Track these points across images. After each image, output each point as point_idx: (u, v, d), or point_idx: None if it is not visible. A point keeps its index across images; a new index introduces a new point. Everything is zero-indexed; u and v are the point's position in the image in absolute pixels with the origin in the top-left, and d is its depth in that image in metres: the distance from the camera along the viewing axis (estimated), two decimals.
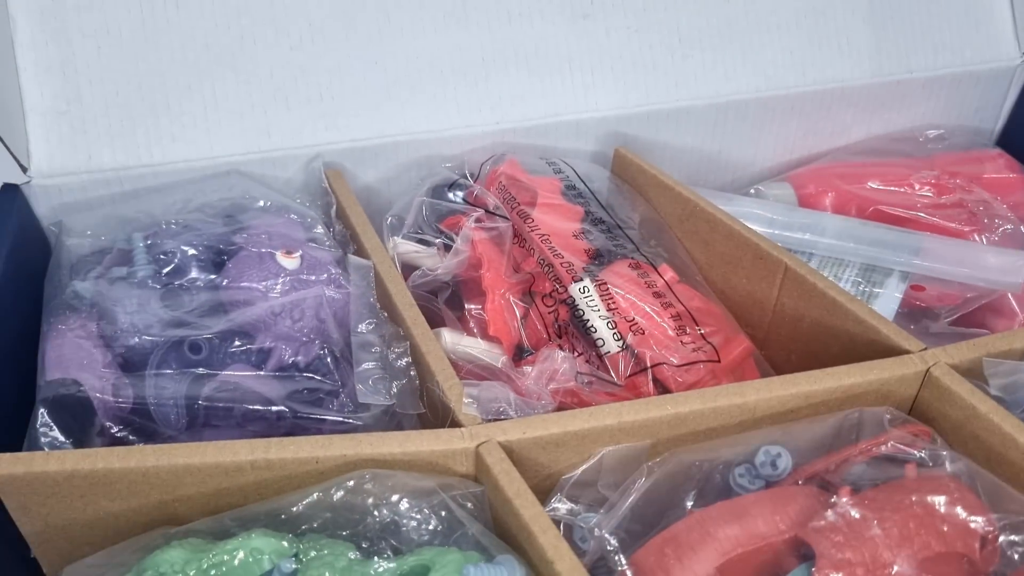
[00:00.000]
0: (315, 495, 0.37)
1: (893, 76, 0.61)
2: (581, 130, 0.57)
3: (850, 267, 0.53)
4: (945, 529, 0.38)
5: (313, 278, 0.47)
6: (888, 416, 0.41)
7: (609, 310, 0.46)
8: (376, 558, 0.35)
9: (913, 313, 0.54)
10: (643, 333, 0.45)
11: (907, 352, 0.43)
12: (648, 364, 0.45)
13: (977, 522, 0.38)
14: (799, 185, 0.59)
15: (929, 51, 0.61)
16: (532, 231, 0.50)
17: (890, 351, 0.43)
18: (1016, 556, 0.38)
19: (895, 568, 0.36)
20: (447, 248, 0.50)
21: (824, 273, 0.54)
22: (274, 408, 0.42)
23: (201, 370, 0.44)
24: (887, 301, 0.52)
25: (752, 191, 0.60)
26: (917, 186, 0.58)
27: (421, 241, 0.50)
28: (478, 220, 0.50)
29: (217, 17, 0.52)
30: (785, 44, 0.59)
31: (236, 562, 0.36)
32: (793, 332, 0.49)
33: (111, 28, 0.51)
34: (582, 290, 0.47)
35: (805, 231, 0.55)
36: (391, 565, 0.35)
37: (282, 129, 0.53)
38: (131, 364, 0.45)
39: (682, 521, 0.39)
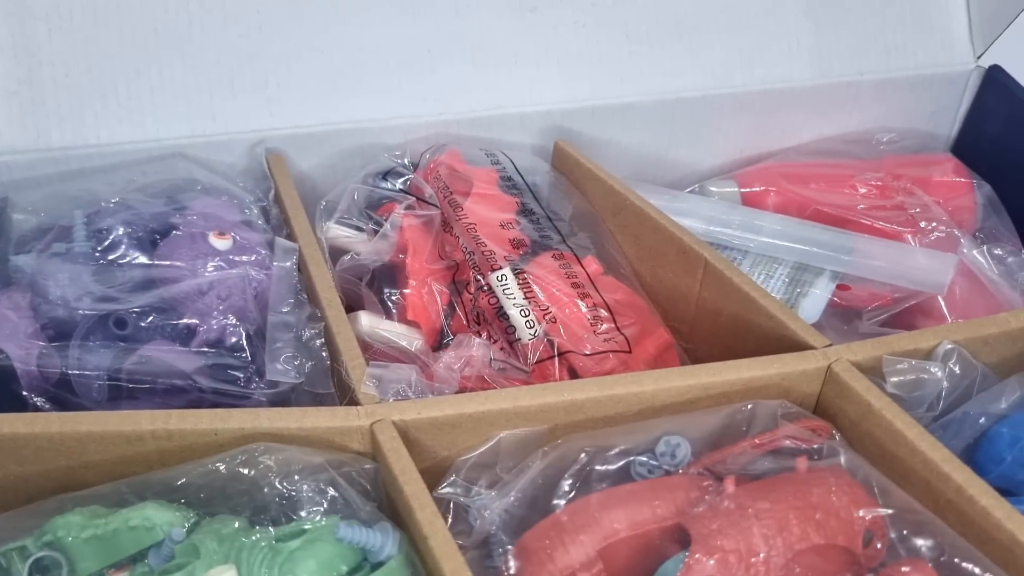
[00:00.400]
0: (208, 466, 0.38)
1: (843, 77, 0.61)
2: (525, 123, 0.58)
3: (783, 265, 0.54)
4: (826, 521, 0.38)
5: (244, 259, 0.49)
6: (781, 410, 0.41)
7: (525, 299, 0.47)
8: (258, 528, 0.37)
9: (847, 313, 0.54)
10: (556, 322, 0.46)
11: (812, 348, 0.43)
12: (557, 352, 0.45)
13: (861, 516, 0.39)
14: (744, 184, 0.60)
15: (881, 53, 0.61)
16: (459, 220, 0.50)
17: (798, 346, 0.44)
18: (901, 553, 0.38)
19: (767, 555, 0.37)
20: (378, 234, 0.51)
21: (757, 271, 0.54)
22: (188, 382, 0.44)
23: (124, 344, 0.45)
24: (816, 300, 0.52)
25: (697, 188, 0.60)
26: (860, 188, 0.58)
27: (354, 227, 0.51)
28: (409, 207, 0.51)
29: (167, 2, 0.54)
30: (735, 43, 0.60)
31: (130, 530, 0.37)
32: (713, 326, 0.49)
33: (62, 10, 0.53)
34: (500, 279, 0.47)
35: (741, 229, 0.55)
36: (270, 530, 0.36)
37: (227, 114, 0.55)
38: (58, 337, 0.46)
39: (570, 505, 0.39)
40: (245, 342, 0.44)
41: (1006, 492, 0.45)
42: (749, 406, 0.41)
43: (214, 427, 0.39)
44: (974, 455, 0.46)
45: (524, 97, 0.58)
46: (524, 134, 0.58)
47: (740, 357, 0.43)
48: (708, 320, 0.49)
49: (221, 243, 0.49)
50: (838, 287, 0.52)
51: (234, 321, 0.45)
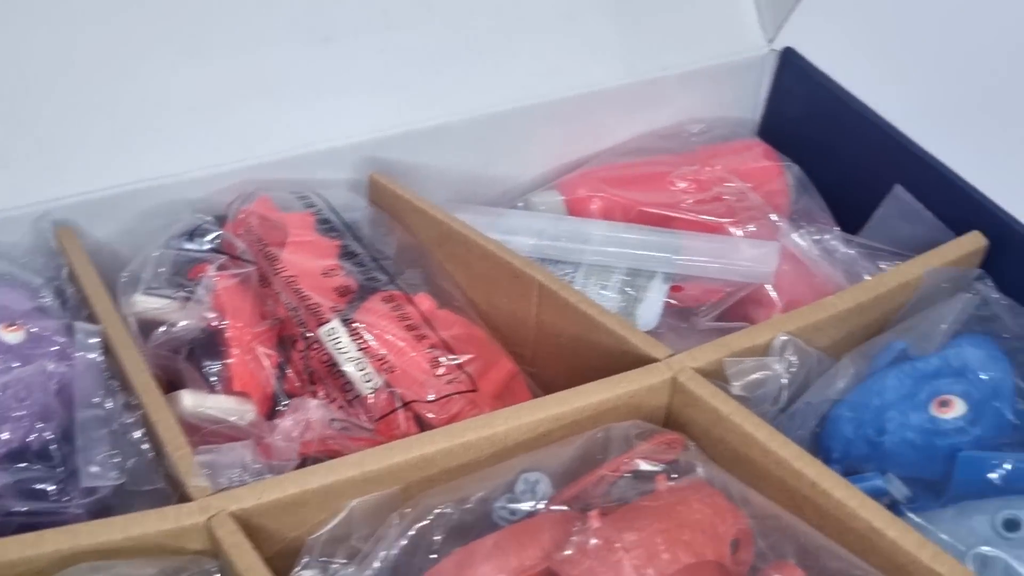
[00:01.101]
0: None
1: (648, 75, 0.61)
2: (335, 159, 0.55)
3: (616, 273, 0.53)
4: (693, 539, 0.38)
5: (40, 351, 0.44)
6: (635, 430, 0.41)
7: (359, 351, 0.44)
8: None
9: (683, 312, 0.54)
10: (394, 371, 0.44)
11: (655, 360, 0.43)
12: (400, 403, 0.43)
13: (726, 527, 0.39)
14: (567, 191, 0.59)
15: (680, 48, 0.62)
16: (278, 274, 0.47)
17: (641, 360, 0.43)
18: (768, 557, 0.38)
19: None
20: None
21: (591, 282, 0.54)
22: None
23: None
24: (652, 304, 0.52)
25: (521, 203, 0.59)
26: (678, 183, 0.58)
27: (163, 296, 0.47)
28: (221, 267, 0.48)
29: None
30: (536, 52, 0.59)
31: None
32: (556, 348, 0.48)
33: None
34: (329, 332, 0.45)
35: (571, 240, 0.55)
36: None
37: (1, 188, 0.49)
38: None
39: (438, 565, 0.38)
40: (52, 447, 0.40)
41: (852, 471, 0.46)
42: (603, 432, 0.40)
43: (24, 555, 0.34)
44: (820, 440, 0.47)
45: (331, 131, 0.55)
46: (336, 170, 0.55)
47: (585, 376, 0.42)
48: (549, 343, 0.48)
49: (12, 336, 0.44)
50: (672, 288, 0.53)
51: (37, 424, 0.41)
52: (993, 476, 0.43)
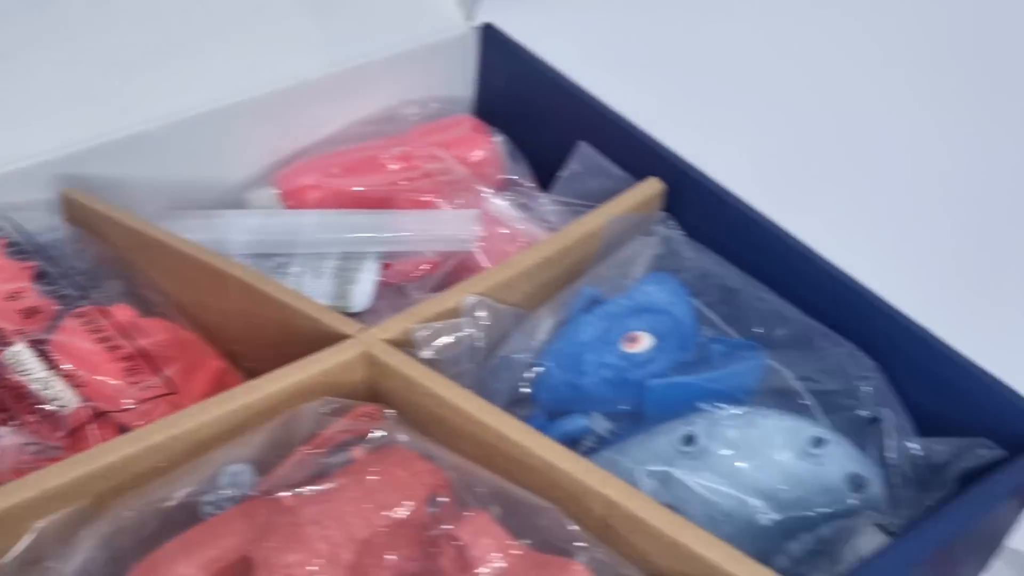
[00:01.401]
0: None
1: (351, 62, 0.62)
2: (24, 180, 0.53)
3: (329, 259, 0.54)
4: (387, 501, 0.39)
5: None
6: (326, 408, 0.41)
7: (48, 370, 0.43)
8: None
9: (401, 288, 0.56)
10: (88, 385, 0.43)
11: (347, 336, 0.44)
12: (93, 415, 0.42)
13: (421, 486, 0.40)
14: (282, 185, 0.59)
15: (380, 32, 0.63)
16: None
17: (335, 338, 0.44)
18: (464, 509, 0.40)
19: (333, 554, 0.37)
20: None
21: (306, 270, 0.54)
22: None
23: None
24: (364, 285, 0.53)
25: (239, 202, 0.59)
26: (390, 165, 0.59)
27: None
28: None
29: None
30: (232, 51, 0.59)
31: None
32: (263, 339, 0.48)
33: None
34: (13, 356, 0.44)
35: (284, 233, 0.55)
36: None
37: None
38: None
39: (133, 570, 0.37)
40: None
41: (562, 414, 0.49)
42: (292, 414, 0.41)
43: None
44: (533, 391, 0.50)
45: (15, 152, 0.53)
46: (28, 191, 0.53)
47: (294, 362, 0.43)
48: (258, 335, 0.49)
49: None
50: (383, 266, 0.54)
51: None
52: (678, 399, 0.47)
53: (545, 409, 0.49)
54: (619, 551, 0.38)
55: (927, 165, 0.72)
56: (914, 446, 0.43)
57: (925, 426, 0.44)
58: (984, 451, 0.41)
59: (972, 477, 0.41)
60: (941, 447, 0.42)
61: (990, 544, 0.44)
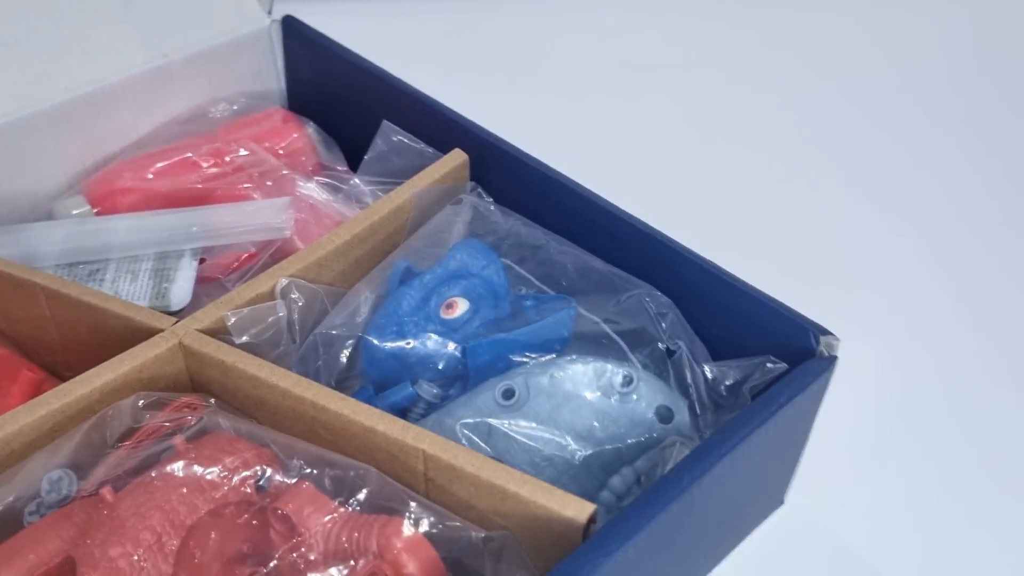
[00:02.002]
0: None
1: (152, 63, 0.61)
2: None
3: (145, 261, 0.54)
4: (212, 486, 0.40)
5: None
6: (143, 402, 0.42)
7: None
8: None
9: (226, 281, 0.56)
10: None
11: (161, 330, 0.44)
12: None
13: (245, 466, 0.41)
14: (93, 193, 0.58)
15: (181, 32, 0.62)
16: None
17: (151, 333, 0.44)
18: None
19: (157, 542, 0.37)
20: None
21: (121, 274, 0.54)
22: None
23: None
24: (182, 283, 0.53)
25: (49, 213, 0.58)
26: (202, 163, 0.59)
27: None
28: None
29: None
30: (24, 59, 0.57)
31: None
32: (81, 345, 0.48)
33: None
34: None
35: (97, 240, 0.54)
36: None
37: None
38: None
39: None
40: None
41: (390, 385, 0.50)
42: (111, 411, 0.41)
43: None
44: (360, 365, 0.51)
45: None
46: None
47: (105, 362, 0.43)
48: (73, 342, 0.48)
49: None
50: (200, 262, 0.54)
51: None
52: (498, 356, 0.49)
53: (372, 382, 0.50)
54: (443, 502, 0.40)
55: (691, 123, 0.79)
56: (709, 371, 0.46)
57: (717, 352, 0.47)
58: (770, 366, 0.45)
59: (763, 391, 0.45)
60: (733, 368, 0.46)
61: (793, 445, 0.48)
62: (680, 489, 0.39)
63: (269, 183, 0.57)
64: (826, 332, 0.44)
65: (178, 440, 0.41)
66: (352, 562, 0.38)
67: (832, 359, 0.44)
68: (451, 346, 0.50)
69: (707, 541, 0.47)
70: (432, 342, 0.50)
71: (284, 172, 0.58)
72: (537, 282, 0.52)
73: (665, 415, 0.46)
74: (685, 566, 0.47)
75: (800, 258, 0.67)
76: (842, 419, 0.54)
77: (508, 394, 0.46)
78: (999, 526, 0.52)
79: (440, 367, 0.50)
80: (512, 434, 0.45)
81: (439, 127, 0.57)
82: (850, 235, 0.70)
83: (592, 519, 0.38)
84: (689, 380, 0.46)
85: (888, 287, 0.66)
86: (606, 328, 0.49)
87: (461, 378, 0.51)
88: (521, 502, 0.38)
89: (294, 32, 0.66)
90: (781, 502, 0.52)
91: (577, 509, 0.38)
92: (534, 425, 0.45)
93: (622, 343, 0.48)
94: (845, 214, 0.72)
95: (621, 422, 0.45)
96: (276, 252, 0.55)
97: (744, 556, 0.50)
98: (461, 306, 0.50)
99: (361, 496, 0.39)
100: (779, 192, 0.73)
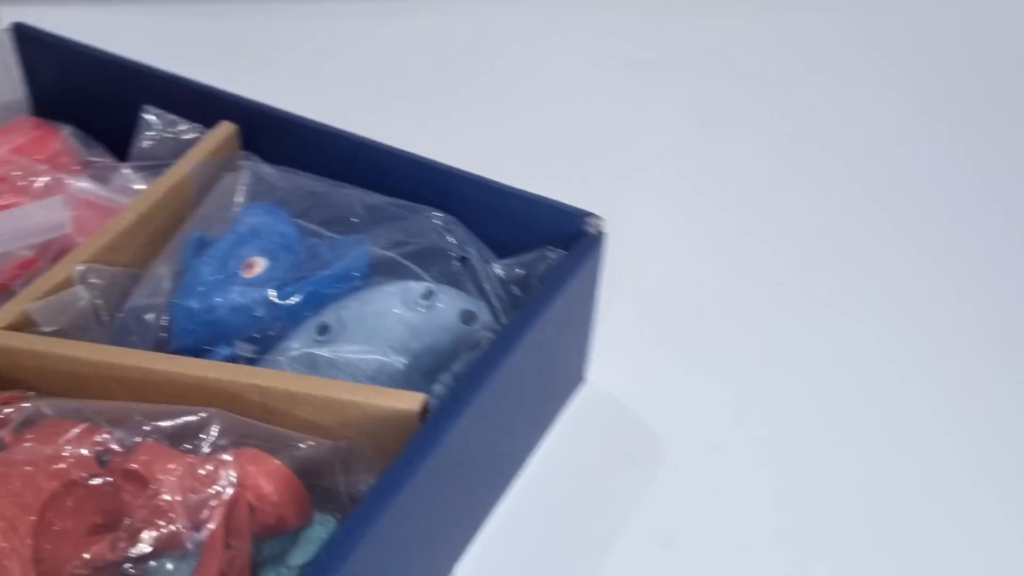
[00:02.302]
0: None
1: None
2: None
3: None
4: (49, 465, 0.40)
5: None
6: None
7: None
8: None
9: (14, 287, 0.55)
10: None
11: None
12: None
13: (83, 445, 0.42)
14: None
15: None
16: None
17: None
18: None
19: (15, 526, 0.38)
20: None
21: None
22: None
23: None
24: None
25: None
26: None
27: None
28: None
29: None
30: None
31: None
32: None
33: None
34: None
35: None
36: None
37: None
38: None
39: None
40: None
41: (205, 351, 0.52)
42: None
43: None
44: (171, 339, 0.52)
45: None
46: None
47: None
48: None
49: None
50: None
51: None
52: (306, 301, 0.52)
53: (187, 351, 0.52)
54: (287, 427, 0.43)
55: (422, 55, 0.85)
56: (499, 269, 0.51)
57: (504, 254, 0.52)
58: (551, 255, 0.51)
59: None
60: (519, 264, 0.51)
61: (582, 321, 0.54)
62: (492, 369, 0.44)
63: (38, 185, 0.57)
64: (591, 214, 0.51)
65: (5, 433, 0.41)
66: (213, 499, 0.40)
67: (600, 237, 0.50)
68: (259, 302, 0.52)
69: (525, 417, 0.53)
70: (239, 302, 0.52)
71: (49, 177, 0.57)
72: (326, 232, 0.55)
73: (468, 318, 0.50)
74: (511, 443, 0.52)
75: (569, 156, 0.74)
76: (629, 297, 0.62)
77: (323, 329, 0.49)
78: (778, 384, 0.60)
79: (251, 324, 0.52)
80: (334, 358, 0.48)
81: (201, 104, 0.58)
82: (613, 126, 0.77)
83: (425, 408, 0.42)
84: (484, 282, 0.51)
85: (656, 175, 0.74)
86: (398, 253, 0.53)
87: (274, 332, 0.53)
88: (359, 408, 0.42)
89: (28, 38, 0.64)
90: (583, 379, 0.58)
91: (410, 401, 0.42)
92: (354, 348, 0.48)
93: (413, 266, 0.52)
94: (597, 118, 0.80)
95: (431, 331, 0.50)
96: (58, 251, 0.55)
97: (559, 430, 0.56)
98: (260, 264, 0.53)
99: (208, 437, 0.41)
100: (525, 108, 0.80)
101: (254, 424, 0.41)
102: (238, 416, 0.42)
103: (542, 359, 0.50)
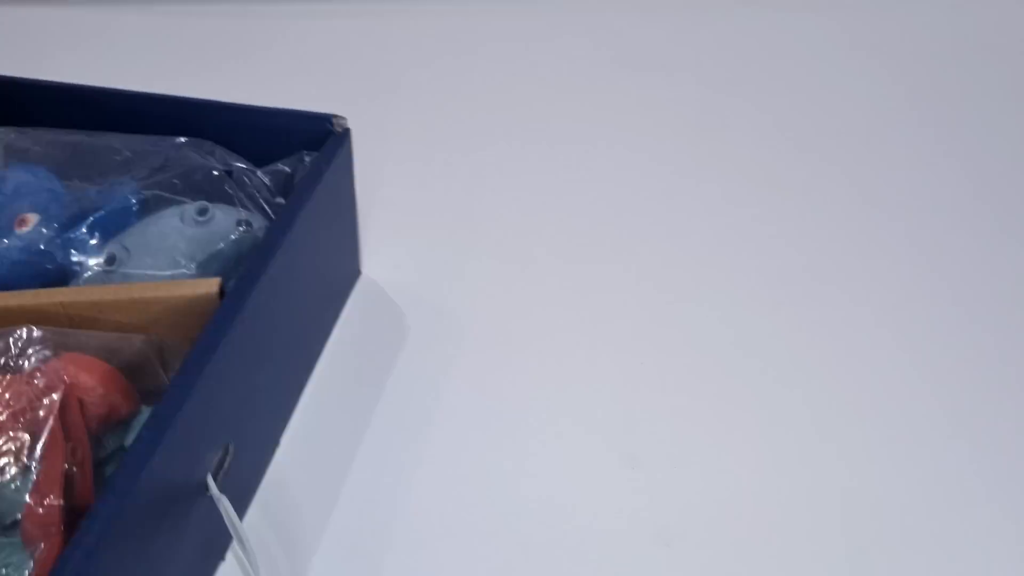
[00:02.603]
0: None
1: None
2: None
3: None
4: None
5: None
6: None
7: None
8: None
9: None
10: None
11: None
12: None
13: None
14: None
15: None
16: None
17: None
18: None
19: None
20: None
21: None
22: None
23: None
24: None
25: None
26: None
27: None
28: None
29: None
30: None
31: None
32: None
33: None
34: None
35: None
36: None
37: None
38: None
39: None
40: None
41: None
42: None
43: None
44: None
45: None
46: None
47: None
48: None
49: None
50: None
51: None
52: (86, 244, 0.55)
53: None
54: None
55: None
56: (263, 176, 0.57)
57: (263, 162, 0.58)
58: (307, 157, 0.57)
59: None
60: (279, 170, 0.57)
61: (345, 213, 0.61)
62: (269, 255, 0.49)
63: None
64: (335, 116, 0.57)
65: None
66: (43, 405, 0.43)
67: (346, 132, 0.57)
68: (41, 253, 0.55)
69: (312, 300, 0.59)
70: (18, 256, 0.54)
71: None
72: (90, 185, 0.58)
73: (244, 225, 0.56)
74: (305, 323, 0.58)
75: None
76: (391, 194, 0.70)
77: (110, 260, 0.53)
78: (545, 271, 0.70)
79: (36, 277, 0.55)
80: (132, 274, 0.52)
81: None
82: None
83: (222, 289, 0.47)
84: (253, 191, 0.57)
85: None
86: (163, 188, 0.57)
87: (59, 278, 0.56)
88: (162, 303, 0.47)
89: None
90: (359, 272, 0.65)
91: (207, 285, 0.47)
92: (147, 263, 0.53)
93: (182, 186, 0.57)
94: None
95: (212, 241, 0.55)
96: None
97: (347, 313, 0.63)
98: (32, 218, 0.56)
99: (25, 352, 0.44)
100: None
101: (67, 332, 0.45)
102: (52, 328, 0.45)
103: (313, 248, 0.56)
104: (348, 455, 0.55)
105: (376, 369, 0.60)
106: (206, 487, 0.46)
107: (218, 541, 0.49)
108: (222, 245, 0.55)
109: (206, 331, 0.45)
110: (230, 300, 0.47)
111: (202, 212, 0.55)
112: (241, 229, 0.55)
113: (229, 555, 0.50)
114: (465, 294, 0.65)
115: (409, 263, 0.67)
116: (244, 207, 0.57)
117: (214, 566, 0.49)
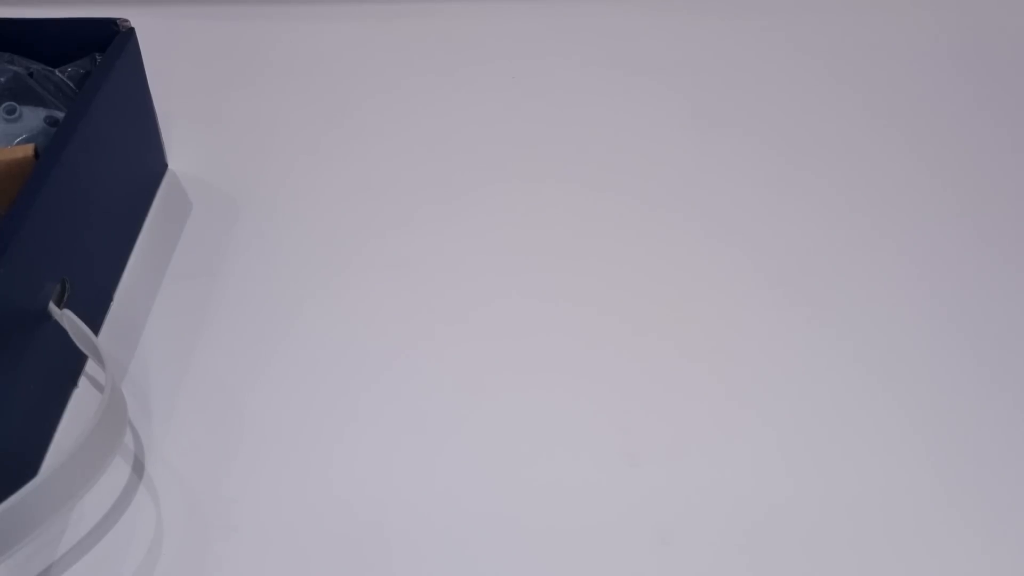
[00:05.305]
0: None
1: None
2: None
3: None
4: None
5: None
6: None
7: None
8: None
9: None
10: None
11: None
12: None
13: None
14: None
15: None
16: None
17: None
18: None
19: None
20: None
21: None
22: None
23: None
24: None
25: None
26: None
27: None
28: None
29: None
30: None
31: None
32: None
33: None
34: None
35: None
36: None
37: None
38: None
39: None
40: None
41: None
42: None
43: None
44: None
45: None
46: None
47: None
48: None
49: None
50: None
51: None
52: None
53: None
54: None
55: None
56: (62, 75, 0.65)
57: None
58: (99, 57, 0.66)
59: None
60: (74, 70, 0.66)
61: (140, 107, 0.70)
62: (72, 129, 0.58)
63: None
64: (120, 18, 0.66)
65: None
66: None
67: (131, 31, 0.66)
68: None
69: (120, 181, 0.67)
70: None
71: None
72: None
73: (52, 121, 0.64)
74: (118, 205, 0.67)
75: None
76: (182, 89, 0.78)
77: (11, 112, 0.60)
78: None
79: None
80: None
81: None
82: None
83: (36, 152, 0.56)
84: (54, 88, 0.65)
85: None
86: None
87: None
88: None
89: None
90: (166, 166, 0.74)
91: (24, 150, 0.56)
92: None
93: None
94: None
95: (27, 137, 0.63)
96: None
97: (158, 203, 0.72)
98: None
99: None
100: None
101: None
102: None
103: (111, 137, 0.64)
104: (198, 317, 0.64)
105: (189, 243, 0.69)
106: (48, 315, 0.54)
107: (67, 369, 0.58)
108: (35, 142, 0.63)
109: (29, 180, 0.53)
110: (45, 158, 0.55)
111: (10, 112, 0.63)
112: (51, 127, 0.63)
113: (82, 380, 0.58)
114: (280, 182, 0.74)
115: (215, 153, 0.76)
116: (50, 106, 0.65)
117: (68, 392, 0.58)
